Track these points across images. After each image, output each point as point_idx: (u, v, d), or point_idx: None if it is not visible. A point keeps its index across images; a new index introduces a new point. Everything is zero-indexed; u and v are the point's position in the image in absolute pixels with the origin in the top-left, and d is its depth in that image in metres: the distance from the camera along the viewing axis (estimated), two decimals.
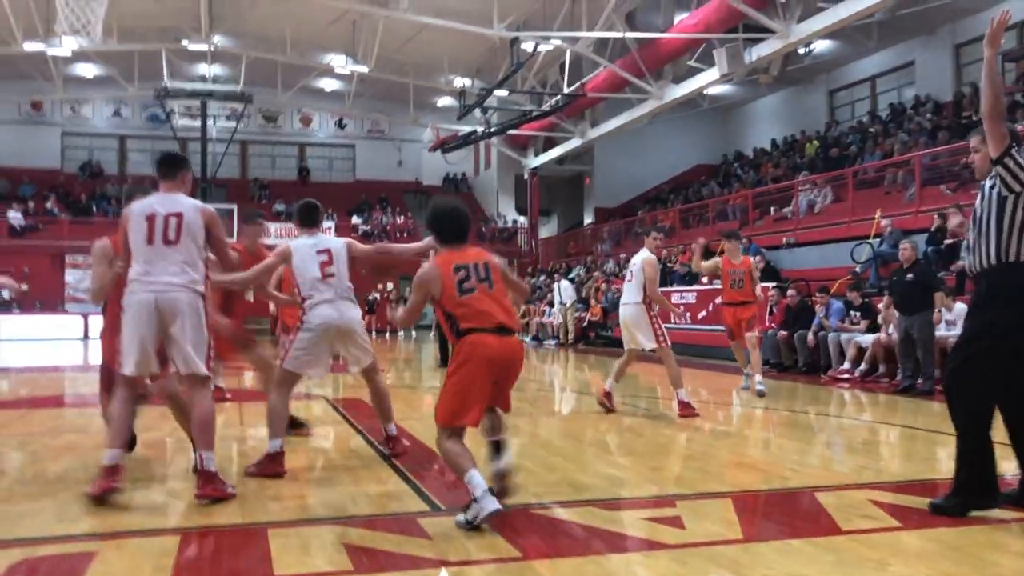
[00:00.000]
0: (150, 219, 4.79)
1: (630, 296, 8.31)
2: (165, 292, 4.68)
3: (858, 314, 11.96)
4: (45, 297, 29.13)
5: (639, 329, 8.20)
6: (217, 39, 28.83)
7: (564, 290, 21.49)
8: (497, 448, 4.51)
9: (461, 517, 4.08)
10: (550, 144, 31.83)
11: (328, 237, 6.01)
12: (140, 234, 4.78)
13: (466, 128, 29.22)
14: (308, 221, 5.89)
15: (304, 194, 35.25)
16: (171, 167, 5.01)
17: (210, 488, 4.63)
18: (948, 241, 12.54)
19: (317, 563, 3.59)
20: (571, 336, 21.18)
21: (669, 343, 8.18)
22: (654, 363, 9.01)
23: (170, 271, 4.71)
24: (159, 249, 4.74)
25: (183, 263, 4.74)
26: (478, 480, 4.06)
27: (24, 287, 9.23)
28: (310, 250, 5.62)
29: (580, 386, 11.45)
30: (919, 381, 9.92)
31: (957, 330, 9.55)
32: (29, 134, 34.69)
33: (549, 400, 10.27)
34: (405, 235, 33.79)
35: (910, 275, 10.08)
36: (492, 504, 3.98)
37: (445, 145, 29.91)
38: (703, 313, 16.04)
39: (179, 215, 4.78)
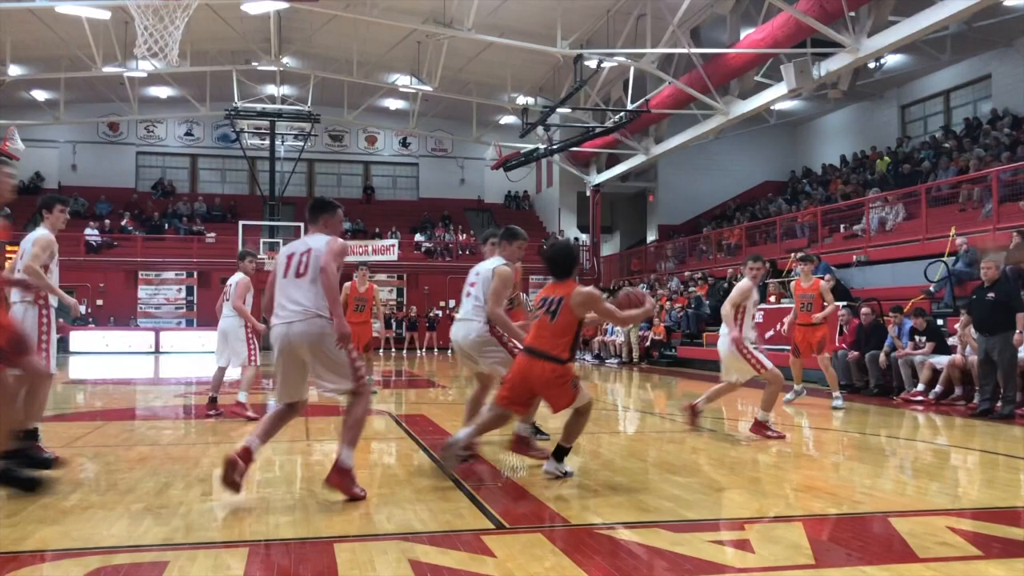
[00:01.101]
0: (289, 257, 5.27)
1: (724, 327, 8.08)
2: (291, 323, 5.11)
3: (923, 338, 11.61)
4: (118, 312, 30.01)
5: (731, 362, 7.95)
6: (286, 60, 29.53)
7: None
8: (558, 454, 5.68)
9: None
10: (613, 161, 31.72)
11: (490, 260, 6.46)
12: (280, 269, 5.28)
13: (528, 146, 29.33)
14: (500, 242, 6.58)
15: (369, 212, 36.06)
16: (313, 212, 5.47)
17: (337, 479, 5.05)
18: None
19: None
20: (635, 355, 20.99)
21: (771, 366, 7.80)
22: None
23: (296, 301, 5.12)
24: (291, 281, 5.19)
25: (307, 293, 5.11)
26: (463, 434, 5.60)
27: (82, 310, 9.75)
28: (474, 271, 6.41)
29: (643, 406, 11.33)
30: (998, 405, 9.57)
31: None
32: (106, 153, 35.94)
33: (612, 420, 10.17)
34: (467, 252, 34.00)
35: (991, 294, 9.69)
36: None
37: (507, 163, 30.04)
38: (770, 332, 15.76)
39: (309, 251, 5.20)
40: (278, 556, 3.97)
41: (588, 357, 23.03)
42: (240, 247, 28.53)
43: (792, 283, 10.64)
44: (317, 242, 5.22)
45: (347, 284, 11.74)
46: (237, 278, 9.44)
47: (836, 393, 10.38)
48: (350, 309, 11.44)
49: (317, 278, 5.09)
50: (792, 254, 19.05)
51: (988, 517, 4.69)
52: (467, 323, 6.26)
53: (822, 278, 11.28)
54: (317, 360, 5.10)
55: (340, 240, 5.29)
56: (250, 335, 9.30)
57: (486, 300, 6.25)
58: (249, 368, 9.34)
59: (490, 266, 6.33)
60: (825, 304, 10.47)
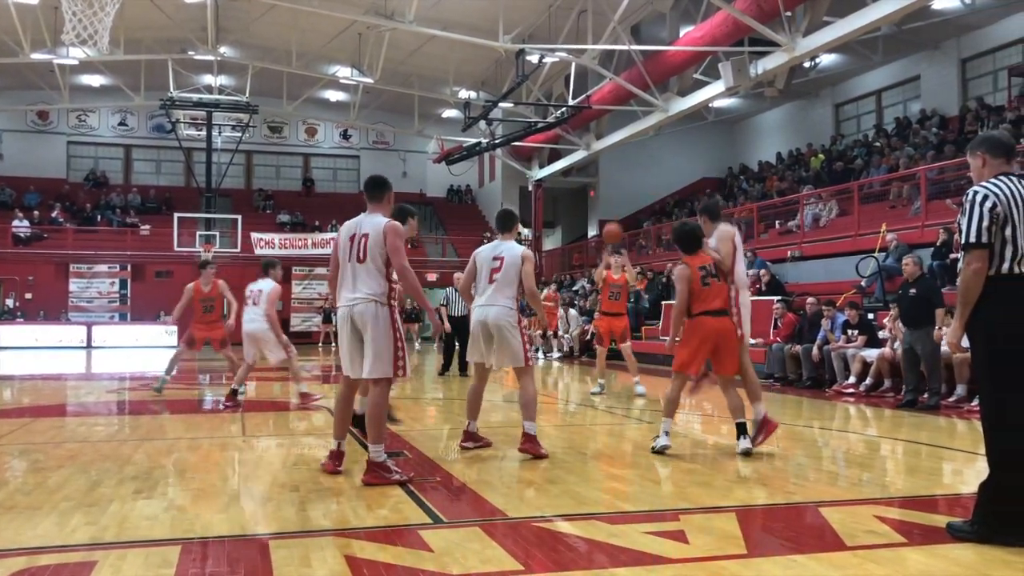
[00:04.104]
0: (352, 239, 5.48)
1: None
2: (355, 305, 5.39)
3: (856, 331, 11.92)
4: (49, 306, 29.16)
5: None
6: (223, 50, 28.97)
7: (572, 319, 21.72)
8: (740, 431, 6.39)
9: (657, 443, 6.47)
10: (555, 156, 31.85)
11: (510, 245, 6.54)
12: (344, 252, 5.49)
13: (471, 140, 29.28)
14: (502, 227, 6.69)
15: (308, 204, 35.63)
16: (376, 189, 5.64)
17: (371, 476, 5.31)
18: (954, 255, 12.51)
19: (318, 575, 3.57)
20: (575, 349, 21.19)
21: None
22: (662, 376, 8.98)
23: (359, 287, 5.41)
24: (355, 267, 5.44)
25: (369, 278, 5.39)
26: (668, 424, 6.53)
27: None
28: (488, 255, 6.51)
29: (583, 399, 11.41)
30: (924, 396, 9.87)
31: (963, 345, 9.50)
32: (35, 143, 34.85)
33: (552, 413, 10.23)
34: (408, 246, 33.77)
35: (913, 290, 10.06)
36: (661, 444, 6.43)
37: (450, 157, 29.95)
38: None
39: (366, 235, 5.42)
40: (212, 554, 3.90)
41: (531, 351, 23.09)
42: (175, 239, 27.99)
43: (605, 271, 11.24)
44: (372, 226, 5.43)
45: (189, 286, 11.04)
46: (268, 287, 9.77)
47: (636, 379, 11.09)
48: (198, 311, 10.97)
49: (378, 264, 5.38)
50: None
51: (912, 505, 4.84)
52: (497, 307, 6.39)
53: (629, 274, 11.53)
54: (368, 342, 5.37)
55: (395, 224, 5.50)
56: (279, 332, 9.85)
57: (514, 284, 6.44)
58: (292, 359, 9.95)
59: (516, 251, 6.48)
60: (632, 286, 11.47)
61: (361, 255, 5.42)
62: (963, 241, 4.02)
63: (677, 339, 6.56)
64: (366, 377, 5.46)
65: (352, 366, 5.52)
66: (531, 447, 6.34)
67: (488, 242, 7.03)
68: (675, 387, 6.58)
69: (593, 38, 21.96)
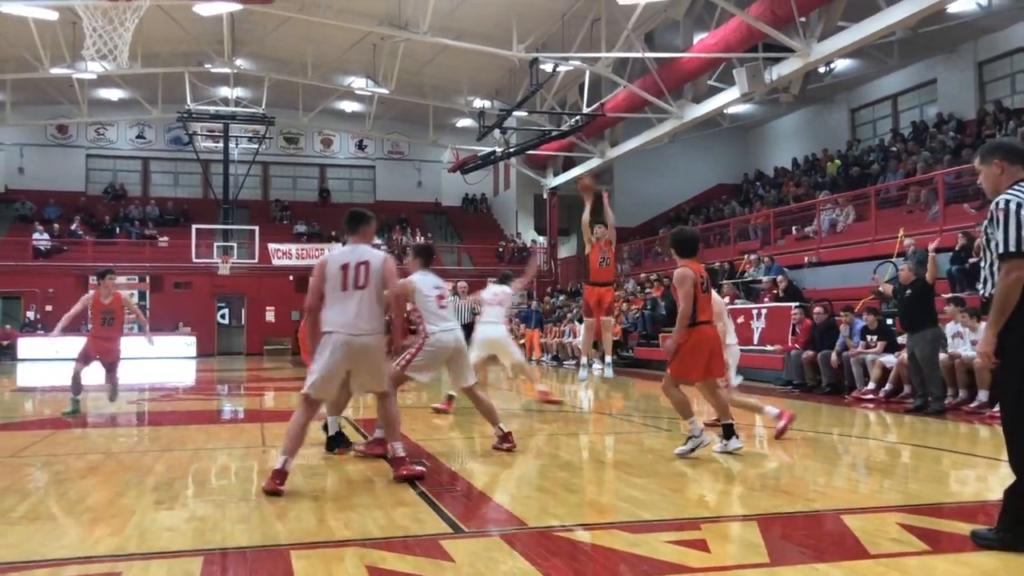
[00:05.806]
0: (345, 268, 5.62)
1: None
2: (359, 337, 5.55)
3: (874, 337, 11.85)
4: None
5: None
6: (240, 62, 29.17)
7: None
8: (727, 433, 6.73)
9: (680, 448, 6.63)
10: (569, 164, 31.85)
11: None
12: (338, 281, 5.60)
13: (485, 149, 29.32)
14: (426, 262, 7.20)
15: (324, 215, 35.79)
16: (357, 223, 5.90)
17: (402, 468, 5.65)
18: (973, 260, 12.41)
19: None
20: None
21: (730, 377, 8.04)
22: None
23: (364, 316, 5.57)
24: (353, 294, 5.58)
25: (373, 307, 5.61)
26: (697, 424, 6.62)
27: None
28: (430, 285, 6.99)
29: (601, 407, 11.40)
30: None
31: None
32: (55, 157, 35.17)
33: (570, 420, 10.22)
34: None
35: (908, 291, 10.07)
36: (707, 439, 6.60)
37: (464, 166, 30.00)
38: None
39: (366, 263, 5.64)
40: (233, 564, 3.92)
41: (547, 358, 23.09)
42: (193, 250, 28.18)
43: (592, 237, 11.10)
44: (371, 256, 5.69)
45: (87, 295, 10.93)
46: (507, 290, 10.11)
47: (609, 358, 11.02)
48: (96, 323, 10.79)
49: (376, 292, 5.63)
50: (746, 256, 19.30)
51: (935, 512, 4.80)
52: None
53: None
54: (365, 368, 5.67)
55: (390, 257, 5.87)
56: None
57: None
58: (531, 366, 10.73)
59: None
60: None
61: (363, 281, 5.60)
62: (1003, 250, 3.95)
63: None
64: (363, 392, 5.99)
65: (332, 388, 5.74)
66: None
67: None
68: (677, 392, 6.69)
69: (607, 46, 21.95)
